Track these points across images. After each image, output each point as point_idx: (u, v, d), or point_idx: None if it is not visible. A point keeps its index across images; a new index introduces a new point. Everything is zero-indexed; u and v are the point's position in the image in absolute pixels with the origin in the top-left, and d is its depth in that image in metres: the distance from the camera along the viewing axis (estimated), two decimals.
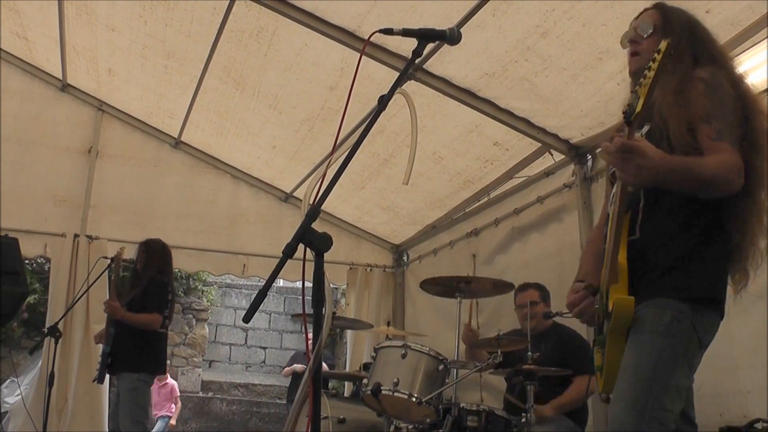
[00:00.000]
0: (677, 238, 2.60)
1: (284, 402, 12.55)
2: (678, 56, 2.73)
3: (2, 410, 9.21)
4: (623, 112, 2.39)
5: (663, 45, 2.33)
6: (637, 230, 2.69)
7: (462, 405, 4.70)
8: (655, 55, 2.34)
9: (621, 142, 2.36)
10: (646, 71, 2.35)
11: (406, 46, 5.35)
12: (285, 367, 12.11)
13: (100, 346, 6.63)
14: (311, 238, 2.11)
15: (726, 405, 4.59)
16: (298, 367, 11.38)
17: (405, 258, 9.36)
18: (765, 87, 4.45)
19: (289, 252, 2.04)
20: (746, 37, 4.33)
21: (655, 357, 2.50)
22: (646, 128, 2.79)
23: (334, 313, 6.62)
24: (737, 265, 2.71)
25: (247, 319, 2.13)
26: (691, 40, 2.83)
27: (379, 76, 6.00)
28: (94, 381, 6.51)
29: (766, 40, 4.31)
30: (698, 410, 2.85)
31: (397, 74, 5.80)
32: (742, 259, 2.70)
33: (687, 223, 2.64)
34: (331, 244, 2.11)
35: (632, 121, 2.36)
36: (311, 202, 2.21)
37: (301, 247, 2.08)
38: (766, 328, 4.25)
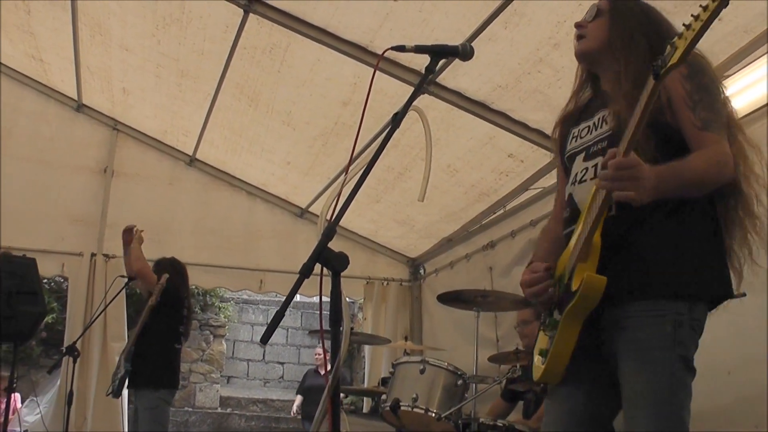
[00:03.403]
0: (666, 224, 2.45)
1: (301, 417, 12.52)
2: (631, 42, 2.65)
3: (22, 429, 9.23)
4: (652, 65, 2.17)
5: None
6: (613, 207, 2.49)
7: (481, 420, 4.68)
8: (708, 2, 2.03)
9: (616, 162, 2.20)
10: (692, 20, 2.08)
11: (419, 60, 5.35)
12: (299, 385, 12.19)
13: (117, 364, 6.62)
14: (328, 258, 2.10)
15: None
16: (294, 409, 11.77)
17: (421, 271, 9.32)
18: None
19: (306, 272, 2.04)
20: (761, 43, 4.31)
21: (669, 377, 2.38)
22: (598, 116, 2.71)
23: (351, 328, 6.61)
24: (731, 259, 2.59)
25: (264, 340, 2.12)
26: (647, 24, 2.71)
27: (392, 91, 6.00)
28: (108, 394, 6.50)
29: None
30: None
31: (409, 88, 5.85)
32: (734, 255, 2.59)
33: (676, 209, 2.49)
34: (348, 263, 2.10)
35: (661, 75, 2.14)
36: (328, 218, 2.20)
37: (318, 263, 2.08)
38: None
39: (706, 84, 2.50)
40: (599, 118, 2.72)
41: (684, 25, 2.11)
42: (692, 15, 2.07)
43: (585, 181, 2.66)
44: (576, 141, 2.82)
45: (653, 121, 2.35)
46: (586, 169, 2.68)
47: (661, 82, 2.17)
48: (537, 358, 2.66)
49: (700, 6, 2.05)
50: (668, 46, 2.13)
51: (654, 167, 2.28)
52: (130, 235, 6.67)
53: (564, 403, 2.67)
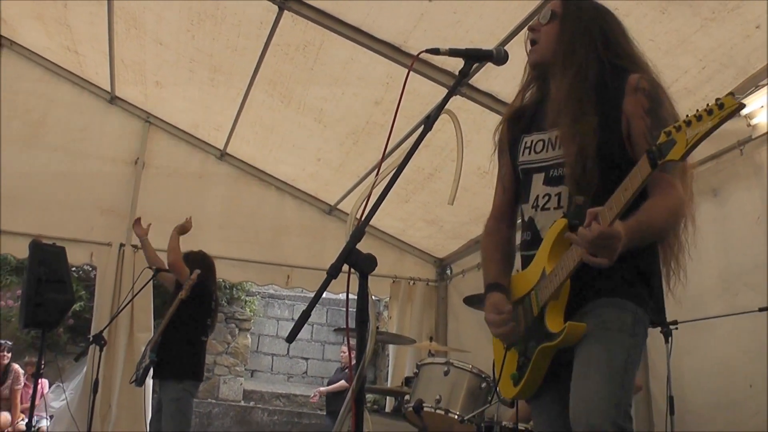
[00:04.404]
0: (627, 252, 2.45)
1: (325, 413, 12.57)
2: (574, 56, 2.66)
3: (48, 414, 9.35)
4: (647, 151, 2.16)
5: (730, 102, 1.98)
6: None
7: (504, 423, 4.67)
8: (713, 107, 2.00)
9: (599, 231, 2.25)
10: (693, 119, 2.04)
11: (452, 61, 5.34)
12: (329, 381, 12.22)
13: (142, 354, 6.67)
14: (356, 259, 2.10)
15: None
16: (322, 390, 11.71)
17: (448, 272, 9.29)
18: None
19: (333, 273, 2.05)
20: None
21: (625, 354, 2.46)
22: (552, 133, 2.70)
23: (377, 327, 6.61)
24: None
25: (290, 339, 2.13)
26: (596, 32, 2.70)
27: (424, 91, 6.00)
28: (132, 382, 6.55)
29: None
30: None
31: (441, 89, 5.85)
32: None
33: None
34: (375, 265, 2.10)
35: (659, 165, 2.13)
36: (357, 217, 2.21)
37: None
38: None
39: (665, 119, 2.47)
40: (555, 137, 2.70)
41: (686, 119, 2.06)
42: (696, 115, 2.04)
43: (548, 209, 2.68)
44: (530, 154, 2.80)
45: (609, 155, 2.51)
46: (549, 196, 2.69)
47: (656, 170, 2.17)
48: (507, 380, 2.72)
49: (705, 110, 2.01)
50: (662, 134, 2.12)
51: (623, 226, 2.31)
52: (140, 229, 6.80)
53: (552, 410, 2.71)
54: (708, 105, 2.01)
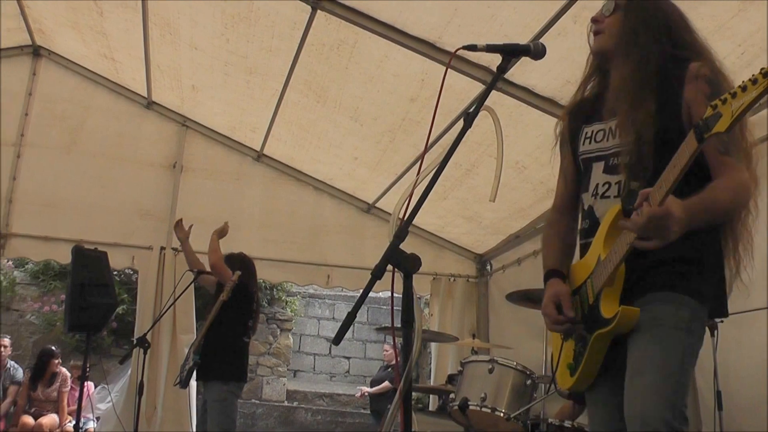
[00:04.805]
0: (684, 240, 2.41)
1: (368, 412, 12.58)
2: (635, 46, 2.67)
3: (95, 416, 9.45)
4: (694, 126, 2.17)
5: None
6: None
7: (550, 420, 4.64)
8: (758, 76, 2.02)
9: (649, 213, 2.24)
10: (738, 90, 2.05)
11: (487, 56, 5.27)
12: (372, 380, 12.23)
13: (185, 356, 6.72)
14: (399, 259, 2.10)
15: None
16: (367, 390, 11.84)
17: (488, 268, 9.23)
18: None
19: (377, 274, 2.04)
20: None
21: (681, 352, 2.44)
22: (612, 122, 2.72)
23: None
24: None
25: (337, 341, 2.13)
26: (660, 25, 2.71)
27: (459, 86, 5.97)
28: (176, 384, 6.60)
29: None
30: None
31: (477, 85, 5.82)
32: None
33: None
34: (420, 265, 2.10)
35: (705, 138, 2.13)
36: (400, 216, 2.20)
37: None
38: None
39: None
40: (615, 126, 2.72)
41: (731, 92, 2.06)
42: (741, 86, 2.04)
43: (608, 197, 2.69)
44: (590, 144, 2.83)
45: (669, 142, 2.43)
46: (609, 184, 2.70)
47: (703, 144, 2.16)
48: (564, 370, 2.73)
49: (750, 80, 2.02)
50: (709, 107, 2.12)
51: (684, 204, 2.29)
52: (182, 231, 6.84)
53: (608, 402, 2.70)
54: (753, 75, 2.02)
